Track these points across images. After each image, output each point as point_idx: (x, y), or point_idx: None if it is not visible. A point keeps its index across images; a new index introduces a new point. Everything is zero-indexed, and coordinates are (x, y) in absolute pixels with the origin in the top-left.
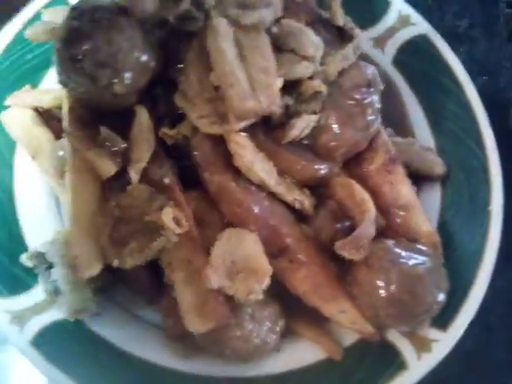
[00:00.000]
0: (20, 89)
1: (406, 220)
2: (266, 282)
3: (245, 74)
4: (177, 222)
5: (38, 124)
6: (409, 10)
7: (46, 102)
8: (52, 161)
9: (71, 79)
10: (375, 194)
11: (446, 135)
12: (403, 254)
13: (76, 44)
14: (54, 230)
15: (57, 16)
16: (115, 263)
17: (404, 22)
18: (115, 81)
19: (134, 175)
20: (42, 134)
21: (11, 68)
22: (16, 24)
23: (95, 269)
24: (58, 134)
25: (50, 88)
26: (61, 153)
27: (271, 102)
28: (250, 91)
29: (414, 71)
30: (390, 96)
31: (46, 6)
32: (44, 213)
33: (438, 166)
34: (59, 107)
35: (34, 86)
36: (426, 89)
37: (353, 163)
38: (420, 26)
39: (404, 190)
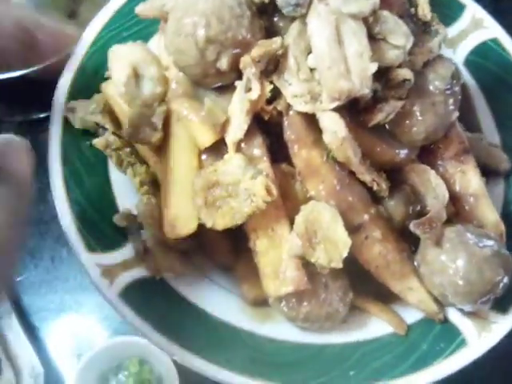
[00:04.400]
0: None
1: (474, 208)
2: (346, 252)
3: (342, 57)
4: (267, 191)
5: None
6: (482, 14)
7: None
8: None
9: (180, 51)
10: (447, 181)
11: (511, 133)
12: (472, 236)
13: (191, 18)
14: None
15: None
16: (209, 224)
17: (477, 24)
18: (221, 56)
19: (231, 145)
20: None
21: (108, 45)
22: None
23: (192, 228)
24: None
25: None
26: None
27: (364, 84)
28: (345, 73)
29: (484, 72)
30: None
31: None
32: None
33: (504, 162)
34: None
35: None
36: (494, 89)
37: (427, 152)
38: (492, 29)
39: (474, 179)
